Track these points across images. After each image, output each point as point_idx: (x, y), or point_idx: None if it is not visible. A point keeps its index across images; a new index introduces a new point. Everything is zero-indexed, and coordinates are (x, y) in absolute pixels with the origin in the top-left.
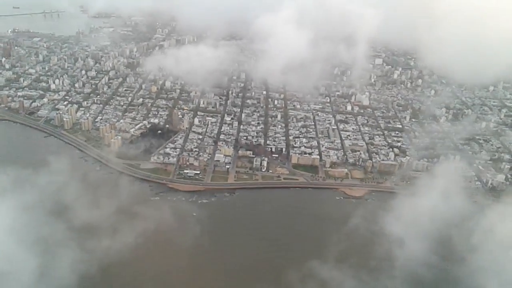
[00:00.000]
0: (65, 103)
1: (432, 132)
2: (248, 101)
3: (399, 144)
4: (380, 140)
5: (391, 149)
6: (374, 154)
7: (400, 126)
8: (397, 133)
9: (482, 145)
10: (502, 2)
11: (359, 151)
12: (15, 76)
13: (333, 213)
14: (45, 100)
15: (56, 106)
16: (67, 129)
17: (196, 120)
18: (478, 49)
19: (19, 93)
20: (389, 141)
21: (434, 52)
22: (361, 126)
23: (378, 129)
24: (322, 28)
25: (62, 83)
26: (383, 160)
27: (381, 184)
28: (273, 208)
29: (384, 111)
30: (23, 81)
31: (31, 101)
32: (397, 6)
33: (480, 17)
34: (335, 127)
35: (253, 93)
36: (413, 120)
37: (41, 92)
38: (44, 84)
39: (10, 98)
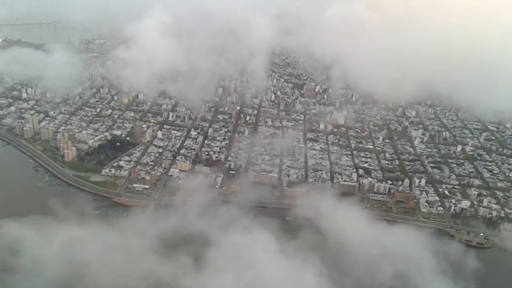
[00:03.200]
0: (32, 112)
1: (404, 153)
2: (220, 116)
3: (365, 165)
4: (347, 160)
5: (355, 170)
6: (337, 174)
7: (372, 146)
8: (367, 154)
9: (453, 169)
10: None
11: (321, 170)
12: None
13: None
14: (13, 108)
15: (22, 115)
16: (27, 139)
17: (159, 134)
18: (390, 65)
19: None
20: (356, 162)
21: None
22: (330, 145)
23: (348, 148)
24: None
25: (34, 92)
26: (345, 180)
27: None
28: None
29: (359, 130)
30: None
31: None
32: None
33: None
34: (303, 145)
35: (227, 108)
36: (386, 140)
37: (11, 100)
38: (16, 93)
39: None
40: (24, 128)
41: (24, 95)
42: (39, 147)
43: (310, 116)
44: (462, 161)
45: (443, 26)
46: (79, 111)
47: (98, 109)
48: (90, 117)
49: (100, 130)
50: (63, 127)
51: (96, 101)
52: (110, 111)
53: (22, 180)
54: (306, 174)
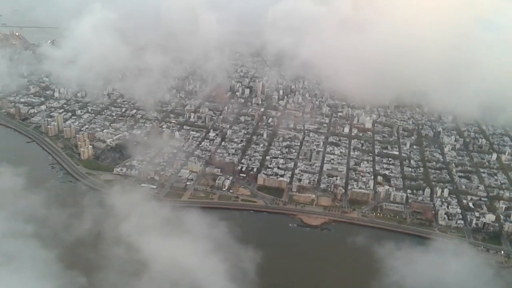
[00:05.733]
0: (61, 111)
1: (431, 161)
2: (242, 117)
3: (386, 172)
4: (366, 167)
5: (372, 177)
6: (353, 180)
7: (397, 152)
8: (390, 160)
9: (484, 179)
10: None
11: (336, 176)
12: (28, 83)
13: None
14: (43, 107)
15: (51, 114)
16: (51, 136)
17: (177, 134)
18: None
19: (21, 100)
20: (377, 168)
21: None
22: (352, 150)
23: (370, 154)
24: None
25: (66, 91)
26: (360, 188)
27: (346, 214)
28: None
29: (386, 135)
30: (32, 89)
31: (30, 107)
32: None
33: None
34: (321, 149)
35: (250, 110)
36: (414, 147)
37: (43, 99)
38: (49, 92)
39: (12, 104)
40: (49, 126)
41: (56, 94)
42: (60, 145)
43: (336, 119)
44: (495, 171)
45: (397, 20)
46: (105, 111)
47: (124, 109)
48: (114, 117)
49: (121, 129)
50: (86, 126)
51: (123, 101)
52: (134, 111)
53: (36, 176)
54: (320, 179)
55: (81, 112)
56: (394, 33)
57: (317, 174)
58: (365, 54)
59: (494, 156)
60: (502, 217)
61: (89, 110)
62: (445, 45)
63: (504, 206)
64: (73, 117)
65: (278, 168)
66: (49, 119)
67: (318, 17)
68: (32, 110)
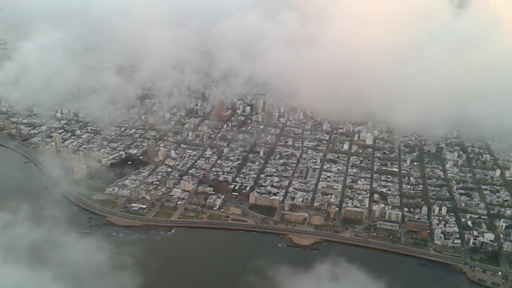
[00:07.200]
0: (61, 131)
1: (431, 178)
2: (240, 135)
3: (384, 189)
4: (363, 184)
5: (368, 195)
6: (348, 199)
7: (397, 169)
8: (389, 177)
9: (485, 196)
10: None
11: (331, 194)
12: (32, 104)
13: None
14: (44, 127)
15: (51, 134)
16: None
17: (173, 153)
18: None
19: (24, 120)
20: (374, 186)
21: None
22: (350, 167)
23: (369, 171)
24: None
25: (68, 111)
26: (354, 206)
27: (338, 234)
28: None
29: (387, 152)
30: (35, 109)
31: (31, 128)
32: None
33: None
34: (318, 167)
35: (249, 127)
36: (415, 163)
37: (44, 120)
38: (52, 113)
39: (14, 124)
40: (46, 146)
41: (58, 114)
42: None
43: (336, 136)
44: (498, 187)
45: (346, 34)
46: (104, 130)
47: (123, 128)
48: (113, 136)
49: (118, 148)
50: (84, 146)
51: (123, 120)
52: (133, 130)
53: (28, 197)
54: (314, 197)
55: (80, 132)
56: (343, 48)
57: (312, 192)
58: (314, 69)
59: (498, 172)
60: (501, 236)
61: (89, 130)
62: (396, 58)
63: (504, 224)
64: (72, 137)
65: (272, 186)
66: (48, 140)
67: (267, 33)
68: (33, 131)
